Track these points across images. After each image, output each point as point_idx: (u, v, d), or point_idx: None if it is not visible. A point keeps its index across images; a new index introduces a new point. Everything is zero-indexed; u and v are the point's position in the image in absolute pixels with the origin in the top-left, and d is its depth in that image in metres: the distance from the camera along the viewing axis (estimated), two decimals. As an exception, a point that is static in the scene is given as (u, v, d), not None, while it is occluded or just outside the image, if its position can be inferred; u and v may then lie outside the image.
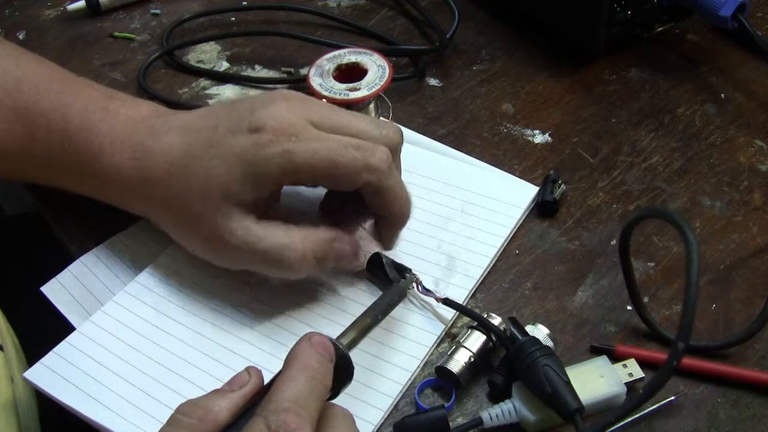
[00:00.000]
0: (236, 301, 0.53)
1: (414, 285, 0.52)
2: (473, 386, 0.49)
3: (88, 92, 0.54)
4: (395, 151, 0.51)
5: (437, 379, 0.49)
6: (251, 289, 0.53)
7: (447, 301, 0.51)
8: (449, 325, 0.52)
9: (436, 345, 0.51)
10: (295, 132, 0.48)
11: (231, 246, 0.50)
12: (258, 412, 0.37)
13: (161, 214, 0.52)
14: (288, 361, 0.39)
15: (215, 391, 0.40)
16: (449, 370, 0.48)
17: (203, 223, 0.50)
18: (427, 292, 0.52)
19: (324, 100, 0.54)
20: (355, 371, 0.43)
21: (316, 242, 0.50)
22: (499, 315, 0.50)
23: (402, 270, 0.52)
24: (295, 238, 0.49)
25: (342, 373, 0.42)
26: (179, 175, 0.50)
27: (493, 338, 0.49)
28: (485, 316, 0.50)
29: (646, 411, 0.47)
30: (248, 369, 0.41)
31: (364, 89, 0.53)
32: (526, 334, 0.48)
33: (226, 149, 0.49)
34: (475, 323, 0.49)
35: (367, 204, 0.51)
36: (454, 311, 0.52)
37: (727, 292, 0.53)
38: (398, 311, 0.51)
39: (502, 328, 0.49)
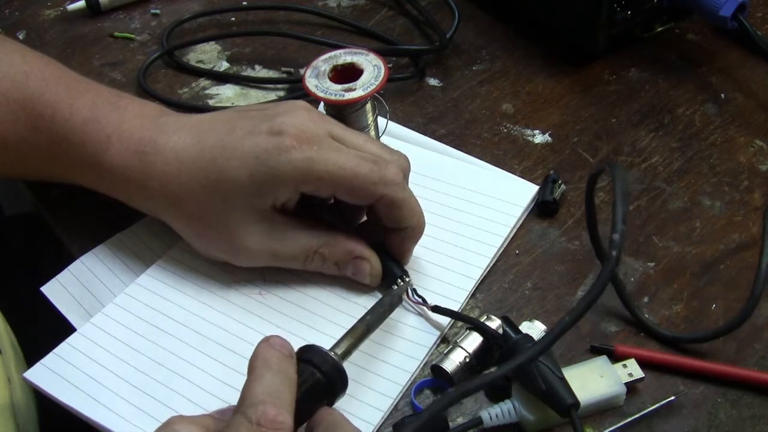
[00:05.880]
0: (238, 303, 0.53)
1: (407, 291, 0.52)
2: (473, 386, 0.49)
3: (96, 89, 0.55)
4: (405, 175, 0.52)
5: (434, 379, 0.49)
6: (253, 292, 0.53)
7: (437, 309, 0.51)
8: (449, 326, 0.52)
9: (436, 345, 0.51)
10: (317, 142, 0.49)
11: (250, 250, 0.51)
12: (235, 410, 0.39)
13: (170, 211, 0.53)
14: (251, 363, 0.41)
15: (208, 416, 0.41)
16: (443, 369, 0.48)
17: (221, 225, 0.51)
18: (417, 301, 0.51)
19: (321, 101, 0.54)
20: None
21: (341, 250, 0.52)
22: (497, 316, 0.50)
23: (395, 276, 0.52)
24: (321, 241, 0.52)
25: (336, 383, 0.42)
26: (191, 174, 0.50)
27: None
28: (485, 317, 0.49)
29: (646, 411, 0.47)
30: None
31: (359, 90, 0.53)
32: (519, 332, 0.48)
33: (245, 150, 0.49)
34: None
35: (382, 220, 0.51)
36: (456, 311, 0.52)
37: (727, 292, 0.53)
38: (397, 312, 0.51)
39: (501, 329, 0.49)
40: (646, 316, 0.51)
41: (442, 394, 0.47)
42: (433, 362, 0.49)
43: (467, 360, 0.48)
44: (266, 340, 0.42)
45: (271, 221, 0.50)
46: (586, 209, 0.52)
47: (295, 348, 0.50)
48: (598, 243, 0.52)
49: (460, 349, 0.48)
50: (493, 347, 0.49)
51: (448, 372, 0.48)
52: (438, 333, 0.51)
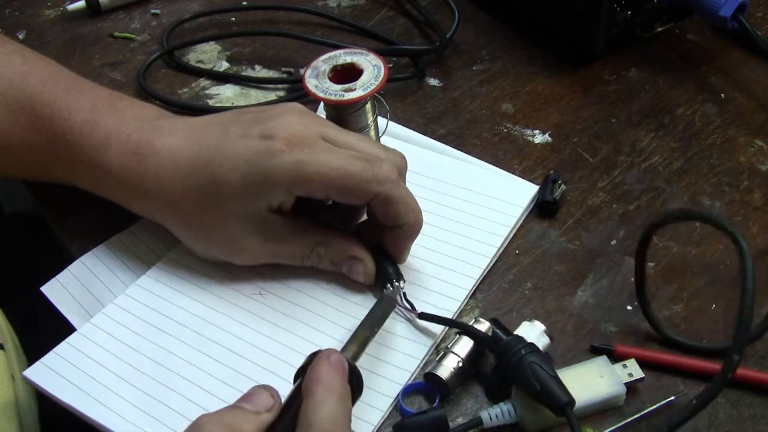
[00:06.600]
0: (237, 304, 0.53)
1: (398, 296, 0.52)
2: (472, 386, 0.49)
3: (96, 91, 0.55)
4: (401, 173, 0.51)
5: (424, 382, 0.49)
6: (253, 292, 0.53)
7: (424, 315, 0.50)
8: (448, 327, 0.52)
9: (435, 345, 0.51)
10: (308, 144, 0.49)
11: (249, 250, 0.52)
12: None
13: (168, 213, 0.53)
14: (312, 384, 0.40)
15: (239, 409, 0.40)
16: (438, 376, 0.47)
17: (220, 226, 0.51)
18: (406, 307, 0.51)
19: (320, 101, 0.54)
20: None
21: (336, 250, 0.52)
22: (486, 319, 0.49)
23: (389, 279, 0.52)
24: (317, 241, 0.52)
25: (354, 386, 0.42)
26: (186, 175, 0.50)
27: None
28: (473, 320, 0.49)
29: (645, 411, 0.47)
30: (271, 391, 0.41)
31: (359, 90, 0.53)
32: (510, 333, 0.48)
33: (237, 154, 0.49)
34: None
35: (378, 219, 0.51)
36: (455, 311, 0.52)
37: (727, 292, 0.53)
38: (396, 311, 0.51)
39: (491, 331, 0.49)
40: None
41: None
42: (427, 370, 0.48)
43: (460, 365, 0.48)
44: (327, 358, 0.41)
45: (268, 223, 0.50)
46: (637, 268, 0.50)
47: (299, 347, 0.50)
48: (647, 306, 0.51)
49: (452, 354, 0.48)
50: (486, 350, 0.49)
51: (443, 379, 0.47)
52: (437, 332, 0.51)
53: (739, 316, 0.41)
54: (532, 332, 0.48)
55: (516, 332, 0.48)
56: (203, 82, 0.71)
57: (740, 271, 0.42)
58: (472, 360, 0.48)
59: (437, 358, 0.48)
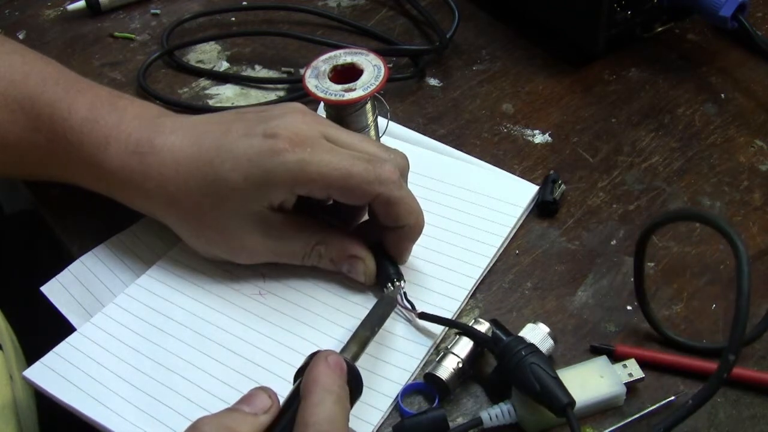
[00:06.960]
0: (238, 304, 0.53)
1: (398, 296, 0.51)
2: (472, 386, 0.49)
3: (95, 90, 0.55)
4: (403, 174, 0.51)
5: (423, 383, 0.49)
6: (253, 292, 0.53)
7: (424, 315, 0.50)
8: (447, 328, 0.52)
9: (435, 345, 0.51)
10: (311, 144, 0.49)
11: (250, 249, 0.52)
12: None
13: (169, 212, 0.53)
14: (310, 385, 0.40)
15: (237, 411, 0.40)
16: (438, 377, 0.47)
17: (221, 226, 0.51)
18: (406, 306, 0.51)
19: (321, 101, 0.54)
20: None
21: (337, 249, 0.52)
22: (486, 320, 0.49)
23: (389, 278, 0.52)
24: (318, 239, 0.52)
25: (353, 387, 0.42)
26: (188, 175, 0.50)
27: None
28: (473, 321, 0.49)
29: (646, 411, 0.47)
30: (269, 393, 0.41)
31: (359, 90, 0.53)
32: (510, 334, 0.48)
33: (239, 153, 0.49)
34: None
35: (379, 219, 0.51)
36: (455, 311, 0.52)
37: (727, 291, 0.53)
38: (396, 311, 0.51)
39: (491, 332, 0.49)
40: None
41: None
42: (427, 371, 0.48)
43: (460, 366, 0.48)
44: (324, 359, 0.41)
45: (269, 221, 0.51)
46: (635, 268, 0.50)
47: (299, 347, 0.50)
48: (647, 306, 0.51)
49: (452, 355, 0.48)
50: (486, 350, 0.49)
51: (443, 380, 0.47)
52: (437, 332, 0.51)
53: (735, 317, 0.42)
54: (536, 335, 0.48)
55: (520, 335, 0.48)
56: (203, 82, 0.71)
57: (736, 272, 0.42)
58: (471, 361, 0.48)
59: (437, 359, 0.48)
